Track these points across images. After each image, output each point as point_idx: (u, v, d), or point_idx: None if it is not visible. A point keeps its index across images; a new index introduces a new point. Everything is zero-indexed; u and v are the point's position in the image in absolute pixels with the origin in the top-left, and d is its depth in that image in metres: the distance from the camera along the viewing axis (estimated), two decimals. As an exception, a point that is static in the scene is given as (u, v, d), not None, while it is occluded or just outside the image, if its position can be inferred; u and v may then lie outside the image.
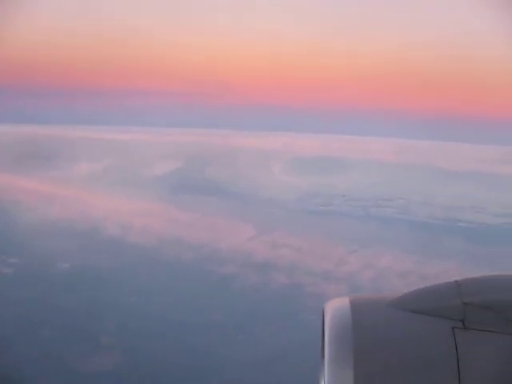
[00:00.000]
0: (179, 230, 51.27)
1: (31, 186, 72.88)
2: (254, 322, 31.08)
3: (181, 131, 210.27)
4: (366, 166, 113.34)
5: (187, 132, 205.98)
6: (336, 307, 2.51)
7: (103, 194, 68.48)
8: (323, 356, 2.36)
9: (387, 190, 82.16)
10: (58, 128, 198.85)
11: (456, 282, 2.53)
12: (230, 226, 54.06)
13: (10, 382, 24.59)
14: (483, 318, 2.39)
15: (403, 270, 40.22)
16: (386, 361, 2.25)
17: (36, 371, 24.87)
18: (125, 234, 49.01)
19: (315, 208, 66.98)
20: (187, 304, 33.30)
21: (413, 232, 55.08)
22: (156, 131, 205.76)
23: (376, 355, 2.27)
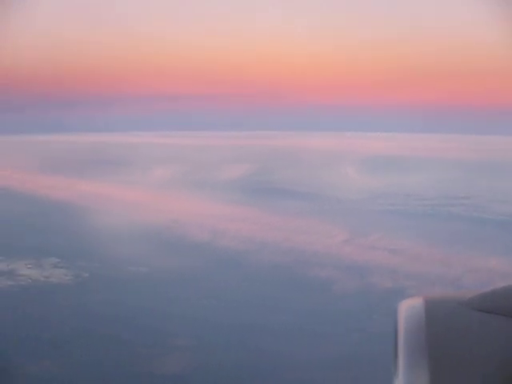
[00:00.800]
0: (265, 233, 52.00)
1: (110, 192, 75.07)
2: (338, 327, 31.16)
3: (242, 134, 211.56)
4: (431, 164, 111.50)
5: (249, 135, 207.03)
6: (410, 306, 2.48)
7: (183, 199, 70.20)
8: (396, 355, 2.33)
9: (458, 188, 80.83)
10: (116, 135, 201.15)
11: None
12: (311, 227, 54.44)
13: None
14: None
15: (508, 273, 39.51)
16: (461, 361, 2.19)
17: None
18: (212, 238, 50.11)
19: (390, 208, 66.66)
20: (280, 309, 33.65)
21: (496, 232, 54.18)
22: (217, 135, 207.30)
23: (450, 355, 2.21)
